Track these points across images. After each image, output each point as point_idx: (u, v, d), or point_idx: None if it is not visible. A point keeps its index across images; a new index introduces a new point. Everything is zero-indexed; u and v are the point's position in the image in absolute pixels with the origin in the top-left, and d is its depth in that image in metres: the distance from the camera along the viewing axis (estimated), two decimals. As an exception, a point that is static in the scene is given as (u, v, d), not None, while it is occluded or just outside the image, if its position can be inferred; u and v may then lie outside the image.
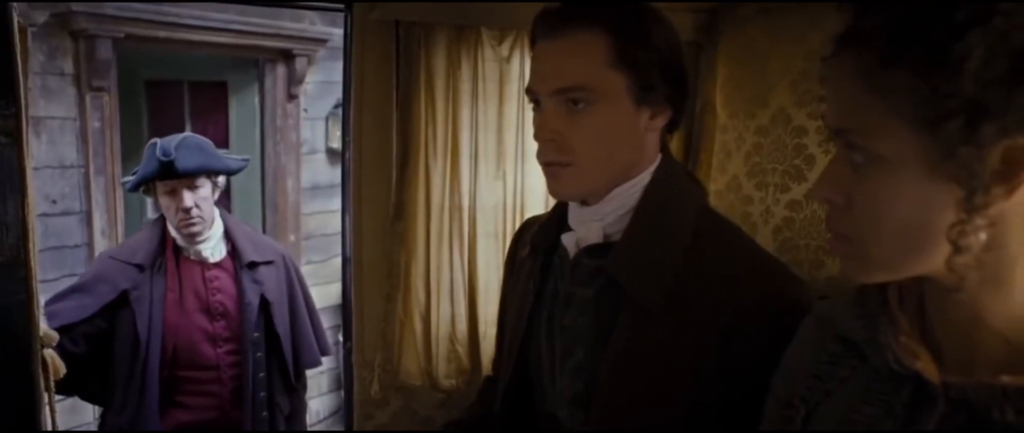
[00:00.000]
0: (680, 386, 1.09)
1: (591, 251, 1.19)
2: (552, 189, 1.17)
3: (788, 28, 2.33)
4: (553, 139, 1.12)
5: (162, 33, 3.95)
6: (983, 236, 0.62)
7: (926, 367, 0.72)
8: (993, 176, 0.60)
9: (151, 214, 4.26)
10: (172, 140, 2.50)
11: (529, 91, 1.15)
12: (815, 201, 2.13)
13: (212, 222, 2.62)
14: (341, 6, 2.34)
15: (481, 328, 2.48)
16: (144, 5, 3.79)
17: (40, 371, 1.67)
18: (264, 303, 2.68)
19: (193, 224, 2.51)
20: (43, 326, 1.76)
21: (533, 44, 1.17)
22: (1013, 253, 0.64)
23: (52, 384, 1.77)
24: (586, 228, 1.19)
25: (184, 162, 2.44)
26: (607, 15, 1.10)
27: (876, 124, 0.64)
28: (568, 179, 1.14)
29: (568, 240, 1.22)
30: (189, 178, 2.48)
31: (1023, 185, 0.60)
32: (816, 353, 0.88)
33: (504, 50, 2.45)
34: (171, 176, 2.45)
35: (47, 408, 1.76)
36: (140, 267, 2.50)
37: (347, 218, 2.46)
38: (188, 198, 2.48)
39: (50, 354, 1.78)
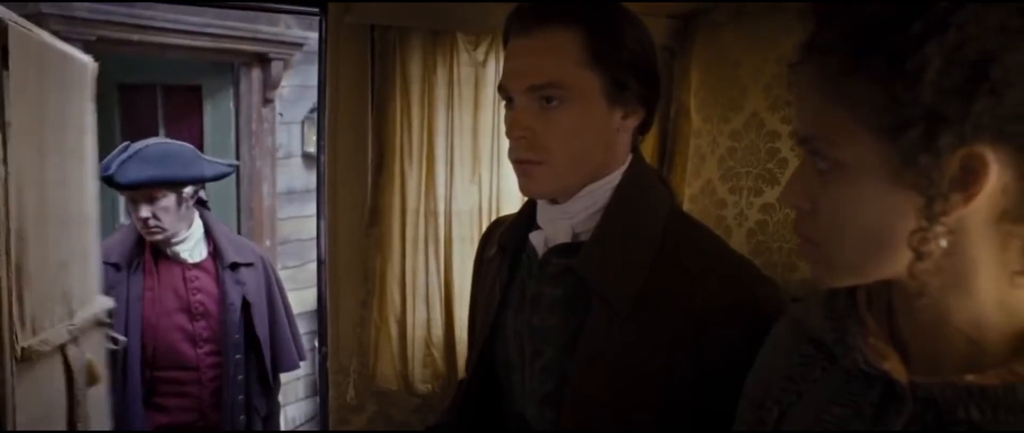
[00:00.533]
0: (651, 387, 1.09)
1: (560, 250, 1.19)
2: (523, 187, 1.17)
3: (761, 33, 2.36)
4: (525, 137, 1.12)
5: (135, 36, 3.90)
6: (944, 242, 0.63)
7: (894, 368, 0.73)
8: (952, 184, 0.61)
9: (124, 219, 4.21)
10: (123, 151, 2.46)
11: (502, 88, 1.15)
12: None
13: (183, 228, 2.59)
14: (315, 10, 2.33)
15: (457, 332, 2.47)
16: (117, 7, 3.74)
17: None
18: (245, 304, 2.66)
19: (153, 233, 2.49)
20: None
21: (506, 42, 1.18)
22: (973, 258, 0.66)
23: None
24: (555, 227, 1.19)
25: (126, 175, 2.39)
26: (581, 14, 1.11)
27: (839, 132, 0.66)
28: (540, 177, 1.14)
29: (536, 239, 1.22)
30: (142, 190, 2.45)
31: (981, 192, 0.61)
32: (788, 355, 0.89)
33: (480, 55, 2.45)
34: (118, 188, 2.42)
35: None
36: (116, 266, 2.47)
37: (322, 223, 2.45)
38: (143, 209, 2.45)
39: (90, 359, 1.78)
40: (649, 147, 2.74)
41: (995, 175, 0.61)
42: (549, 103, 1.10)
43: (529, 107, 1.11)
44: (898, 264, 0.67)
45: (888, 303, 0.78)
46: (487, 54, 2.45)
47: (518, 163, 1.15)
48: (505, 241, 1.29)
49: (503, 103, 1.18)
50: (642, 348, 1.09)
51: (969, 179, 0.61)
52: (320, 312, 2.51)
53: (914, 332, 0.74)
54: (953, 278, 0.67)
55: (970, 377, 0.65)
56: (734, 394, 0.98)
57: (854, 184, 0.66)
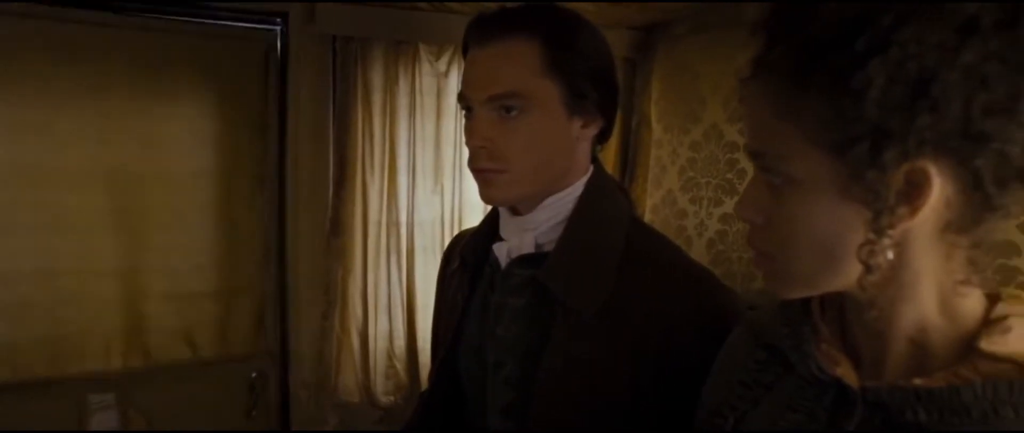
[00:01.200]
0: (615, 395, 1.09)
1: (523, 261, 1.19)
2: (484, 195, 1.17)
3: (720, 46, 2.40)
4: (485, 146, 1.11)
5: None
6: (891, 254, 0.64)
7: (846, 373, 0.74)
8: (898, 197, 0.62)
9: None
10: None
11: (462, 98, 1.15)
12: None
13: None
14: (277, 23, 2.31)
15: (419, 343, 2.47)
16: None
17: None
18: None
19: None
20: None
21: (465, 53, 1.17)
22: (919, 268, 0.67)
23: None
24: (518, 238, 1.19)
25: None
26: (540, 23, 1.11)
27: (788, 148, 0.66)
28: (500, 185, 1.13)
29: (499, 250, 1.22)
30: None
31: (926, 205, 0.63)
32: (743, 361, 0.89)
33: (442, 65, 2.46)
34: None
35: None
36: None
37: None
38: None
39: None
40: (611, 157, 2.76)
41: (938, 188, 0.62)
42: (509, 113, 1.10)
43: (489, 117, 1.11)
44: (849, 276, 0.68)
45: (840, 310, 0.79)
46: (449, 64, 2.45)
47: (478, 172, 1.15)
48: (467, 253, 1.29)
49: (461, 108, 1.17)
50: (606, 357, 1.09)
51: (914, 193, 0.62)
52: (282, 324, 2.48)
53: (864, 338, 0.75)
54: (900, 288, 0.68)
55: (917, 381, 0.67)
56: (695, 401, 0.99)
57: (805, 198, 0.67)
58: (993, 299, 0.69)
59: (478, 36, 1.13)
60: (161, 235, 2.32)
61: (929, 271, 0.67)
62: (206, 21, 2.25)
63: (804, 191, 0.67)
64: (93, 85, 2.16)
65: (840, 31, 0.61)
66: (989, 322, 0.67)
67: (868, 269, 0.65)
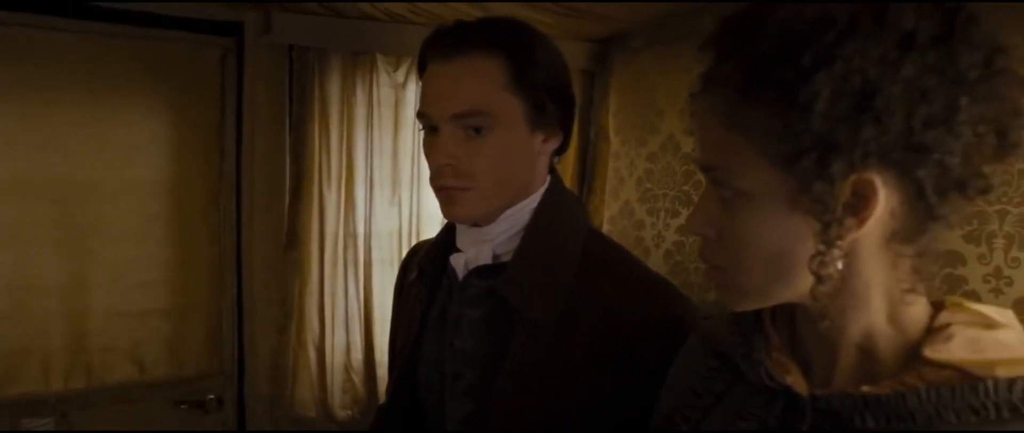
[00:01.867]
0: (573, 405, 1.09)
1: (481, 272, 1.18)
2: (447, 212, 1.16)
3: (676, 58, 2.43)
4: (451, 164, 1.11)
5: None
6: (840, 265, 0.66)
7: (796, 381, 0.75)
8: (845, 209, 0.63)
9: None
10: None
11: (423, 116, 1.13)
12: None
13: None
14: (232, 30, 2.29)
15: (377, 356, 2.45)
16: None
17: None
18: None
19: None
20: None
21: (422, 68, 1.16)
22: (867, 278, 0.69)
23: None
24: (476, 249, 1.19)
25: None
26: (501, 39, 1.11)
27: (738, 161, 0.67)
28: (465, 203, 1.13)
29: (457, 262, 1.21)
30: None
31: (872, 216, 0.64)
32: (696, 370, 0.90)
33: (400, 76, 2.45)
34: None
35: None
36: None
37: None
38: None
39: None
40: (569, 169, 2.77)
41: (883, 199, 0.63)
42: (476, 131, 1.09)
43: (454, 134, 1.10)
44: (800, 287, 0.69)
45: (791, 318, 0.80)
46: (407, 75, 2.44)
47: (442, 190, 1.14)
48: (425, 265, 1.28)
49: (420, 126, 1.16)
50: (564, 367, 1.10)
51: (860, 204, 0.64)
52: (239, 337, 2.44)
53: (814, 346, 0.76)
54: (850, 297, 0.70)
55: (865, 388, 0.68)
56: (652, 409, 1.00)
57: (755, 211, 0.68)
58: (937, 307, 0.71)
59: (438, 51, 1.12)
60: (108, 248, 2.25)
61: (877, 280, 0.69)
62: (160, 28, 2.21)
63: (754, 204, 0.68)
64: (36, 90, 2.09)
65: (786, 46, 0.62)
66: (933, 330, 0.68)
67: (819, 279, 0.66)
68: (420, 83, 1.17)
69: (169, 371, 2.39)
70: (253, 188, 2.35)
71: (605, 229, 2.66)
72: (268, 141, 2.35)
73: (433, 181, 1.14)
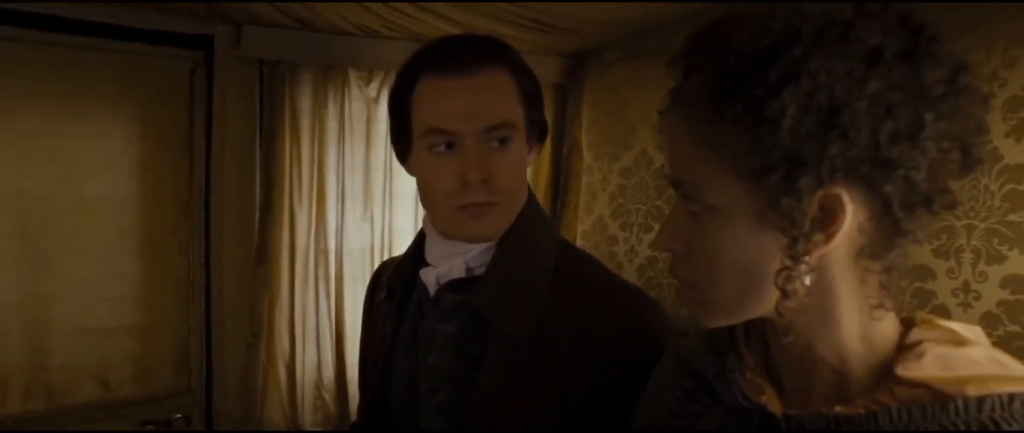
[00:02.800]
0: (549, 418, 1.09)
1: (454, 286, 1.17)
2: (472, 231, 1.13)
3: (649, 73, 2.44)
4: (485, 179, 1.09)
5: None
6: (808, 281, 0.66)
7: (770, 401, 0.75)
8: (813, 224, 0.63)
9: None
10: None
11: (444, 132, 1.08)
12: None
13: None
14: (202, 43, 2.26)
15: (349, 373, 2.42)
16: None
17: None
18: None
19: None
20: None
21: (412, 82, 1.13)
22: (836, 294, 0.69)
23: None
24: (448, 263, 1.17)
25: None
26: (505, 52, 1.12)
27: (707, 176, 0.67)
28: (493, 219, 1.12)
29: (427, 276, 1.20)
30: None
31: (840, 231, 0.64)
32: (671, 389, 0.90)
33: (372, 90, 2.44)
34: None
35: None
36: None
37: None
38: None
39: None
40: (543, 184, 2.77)
41: (851, 214, 0.63)
42: (502, 143, 1.09)
43: (482, 148, 1.08)
44: (770, 302, 0.69)
45: (764, 338, 0.80)
46: (380, 90, 2.43)
47: (470, 207, 1.12)
48: (394, 282, 1.27)
49: (430, 145, 1.10)
50: (539, 378, 1.09)
51: (828, 219, 0.64)
52: (208, 355, 2.40)
53: (787, 366, 0.76)
54: (818, 314, 0.69)
55: (838, 408, 0.68)
56: (628, 416, 0.99)
57: (725, 226, 0.68)
58: (907, 324, 0.71)
59: (447, 67, 1.09)
60: (72, 264, 2.20)
61: (845, 297, 0.69)
62: (128, 40, 2.18)
63: (723, 219, 0.67)
64: (-1, 101, 2.05)
65: (754, 61, 0.62)
66: (904, 348, 0.68)
67: (785, 294, 0.66)
68: (414, 99, 1.13)
69: (135, 390, 2.34)
70: (222, 203, 2.32)
71: (578, 244, 2.66)
72: (238, 155, 2.32)
73: (453, 200, 1.10)
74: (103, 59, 2.17)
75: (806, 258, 0.64)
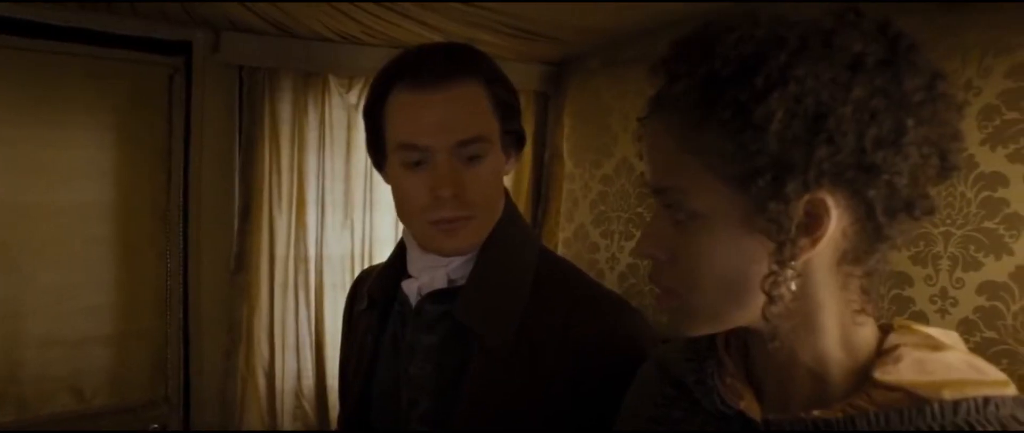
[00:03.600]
0: (531, 424, 1.08)
1: (435, 297, 1.17)
2: (445, 245, 1.12)
3: (631, 81, 2.45)
4: (457, 194, 1.09)
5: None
6: (793, 286, 0.66)
7: (749, 407, 0.75)
8: (799, 229, 0.63)
9: None
10: None
11: (416, 148, 1.07)
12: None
13: None
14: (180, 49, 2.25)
15: (329, 382, 2.40)
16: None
17: None
18: None
19: None
20: None
21: (383, 95, 1.13)
22: (819, 300, 0.69)
23: None
24: (430, 274, 1.17)
25: None
26: (476, 64, 1.10)
27: (692, 182, 0.67)
28: (466, 234, 1.10)
29: (409, 288, 1.19)
30: None
31: (826, 236, 0.64)
32: (652, 396, 0.90)
33: (353, 97, 2.43)
34: None
35: None
36: None
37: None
38: None
39: None
40: (524, 191, 2.77)
41: (836, 219, 0.64)
42: (473, 159, 1.08)
43: (453, 163, 1.07)
44: (753, 310, 0.69)
45: (744, 343, 0.80)
46: (360, 96, 2.43)
47: (443, 223, 1.11)
48: (374, 292, 1.26)
49: (404, 160, 1.09)
50: (522, 387, 1.09)
51: (813, 224, 0.64)
52: (186, 364, 2.37)
53: (767, 371, 0.76)
54: (801, 319, 0.70)
55: (816, 412, 0.68)
56: (609, 424, 0.99)
57: (709, 232, 0.67)
58: (885, 329, 0.71)
59: (417, 80, 1.08)
60: (46, 273, 2.17)
61: (828, 302, 0.69)
62: (105, 46, 2.16)
63: (708, 225, 0.67)
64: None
65: (740, 67, 0.62)
66: (882, 353, 0.68)
67: (771, 300, 0.66)
68: (386, 111, 1.12)
69: (111, 400, 2.31)
70: (201, 210, 2.30)
71: (560, 252, 2.66)
72: (217, 162, 2.30)
73: (427, 215, 1.09)
74: (78, 64, 2.15)
75: (792, 263, 0.64)
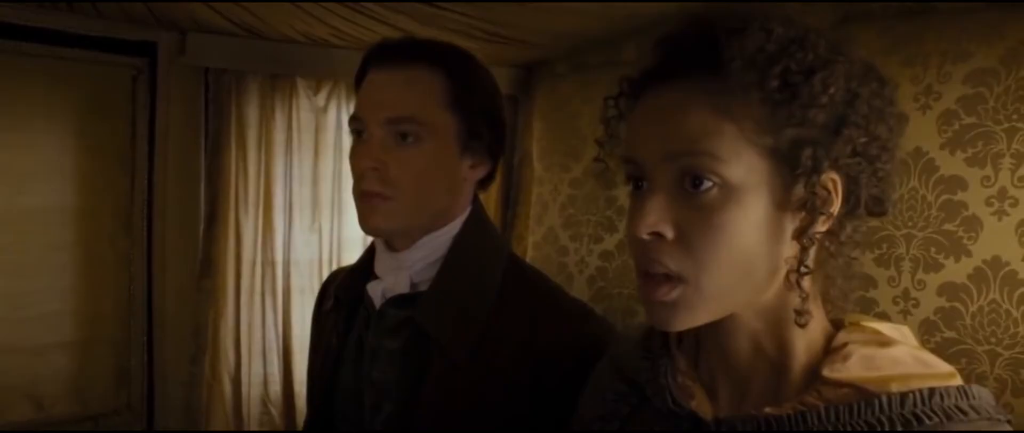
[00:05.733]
0: (493, 431, 1.08)
1: (397, 301, 1.17)
2: (364, 222, 1.13)
3: (599, 84, 2.46)
4: (377, 168, 1.09)
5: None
6: (812, 264, 0.68)
7: (700, 405, 0.75)
8: (822, 204, 0.65)
9: None
10: None
11: (355, 119, 1.13)
12: (627, 251, 2.22)
13: None
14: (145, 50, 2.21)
15: (296, 387, 2.38)
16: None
17: None
18: None
19: None
20: None
21: (361, 78, 1.16)
22: (812, 291, 0.70)
23: None
24: (393, 277, 1.17)
25: None
26: (443, 56, 1.13)
27: (729, 150, 0.65)
28: (384, 212, 1.11)
29: (374, 290, 1.19)
30: None
31: (836, 213, 0.67)
32: (604, 394, 0.90)
33: (321, 100, 2.41)
34: None
35: None
36: None
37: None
38: None
39: None
40: (494, 195, 2.77)
41: (839, 201, 0.67)
42: (404, 139, 1.09)
43: (384, 140, 1.10)
44: (759, 291, 0.69)
45: (696, 340, 0.80)
46: (328, 99, 2.41)
47: (363, 196, 1.12)
48: (341, 293, 1.26)
49: (351, 132, 1.16)
50: (483, 395, 1.09)
51: (829, 201, 0.66)
52: (149, 370, 2.33)
53: (722, 369, 0.76)
54: (780, 312, 0.70)
55: (768, 409, 0.69)
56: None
57: (739, 204, 0.66)
58: (837, 326, 0.73)
59: (381, 59, 1.13)
60: (5, 280, 2.11)
61: (815, 293, 0.71)
62: (66, 46, 2.11)
63: (736, 196, 0.66)
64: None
65: (789, 44, 0.65)
66: (831, 350, 0.70)
67: (799, 282, 0.67)
68: (342, 108, 1.18)
69: (71, 408, 2.25)
70: (166, 214, 2.27)
71: (529, 255, 2.67)
72: (182, 166, 2.28)
73: (355, 187, 1.12)
74: (38, 65, 2.10)
75: (817, 235, 0.66)
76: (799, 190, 0.65)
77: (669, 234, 0.68)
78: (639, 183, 0.71)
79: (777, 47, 0.65)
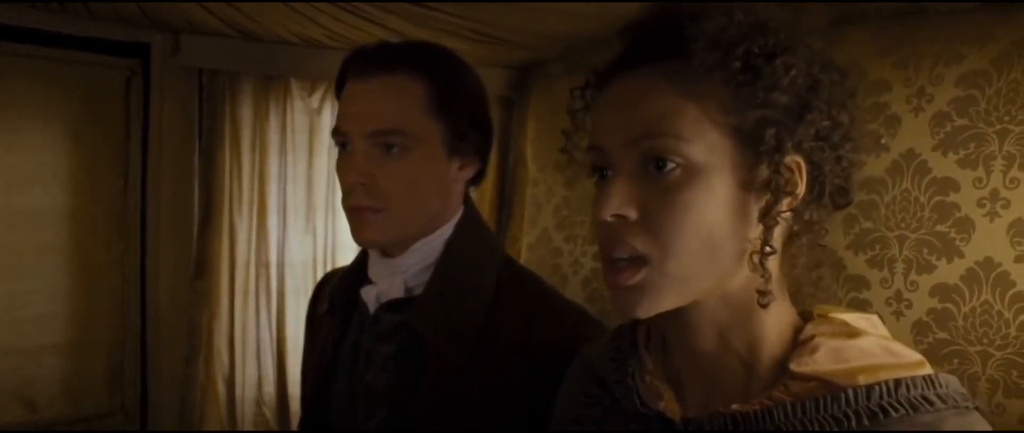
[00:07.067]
0: None
1: (392, 306, 1.16)
2: (357, 235, 1.13)
3: (592, 87, 2.46)
4: (364, 183, 1.08)
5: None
6: (777, 245, 0.67)
7: (668, 405, 0.74)
8: (787, 185, 0.66)
9: None
10: None
11: (338, 132, 1.10)
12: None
13: None
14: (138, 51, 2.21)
15: (290, 389, 2.38)
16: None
17: None
18: None
19: None
20: None
21: (341, 87, 1.14)
22: (777, 279, 0.70)
23: None
24: (388, 282, 1.16)
25: None
26: (424, 60, 1.10)
27: (692, 130, 0.66)
28: (376, 225, 1.10)
29: (368, 294, 1.18)
30: None
31: (800, 196, 0.67)
32: (577, 396, 0.89)
33: (315, 101, 2.41)
34: None
35: None
36: None
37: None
38: None
39: None
40: (488, 196, 2.77)
41: (803, 184, 0.67)
42: (389, 150, 1.07)
43: (368, 153, 1.08)
44: (724, 275, 0.68)
45: (664, 340, 0.80)
46: (322, 100, 2.41)
47: (353, 211, 1.11)
48: (336, 296, 1.25)
49: (335, 144, 1.14)
50: (478, 399, 1.08)
51: (792, 182, 0.66)
52: (144, 371, 2.33)
53: (690, 367, 0.76)
54: (746, 303, 0.70)
55: (735, 406, 0.68)
56: None
57: (703, 183, 0.66)
58: (805, 318, 0.72)
59: (359, 69, 1.10)
60: (-3, 281, 2.11)
61: (777, 282, 0.70)
62: (59, 48, 2.11)
63: (701, 176, 0.66)
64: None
65: (751, 28, 0.66)
66: (799, 344, 0.69)
67: (762, 263, 0.66)
68: (336, 108, 1.15)
69: (64, 410, 2.25)
70: (159, 216, 2.26)
71: (524, 257, 2.67)
72: (176, 167, 2.27)
73: (345, 201, 1.11)
74: (32, 67, 2.10)
75: (780, 215, 0.66)
76: (763, 171, 0.65)
77: (633, 215, 0.68)
78: (603, 172, 0.71)
79: (739, 31, 0.66)
